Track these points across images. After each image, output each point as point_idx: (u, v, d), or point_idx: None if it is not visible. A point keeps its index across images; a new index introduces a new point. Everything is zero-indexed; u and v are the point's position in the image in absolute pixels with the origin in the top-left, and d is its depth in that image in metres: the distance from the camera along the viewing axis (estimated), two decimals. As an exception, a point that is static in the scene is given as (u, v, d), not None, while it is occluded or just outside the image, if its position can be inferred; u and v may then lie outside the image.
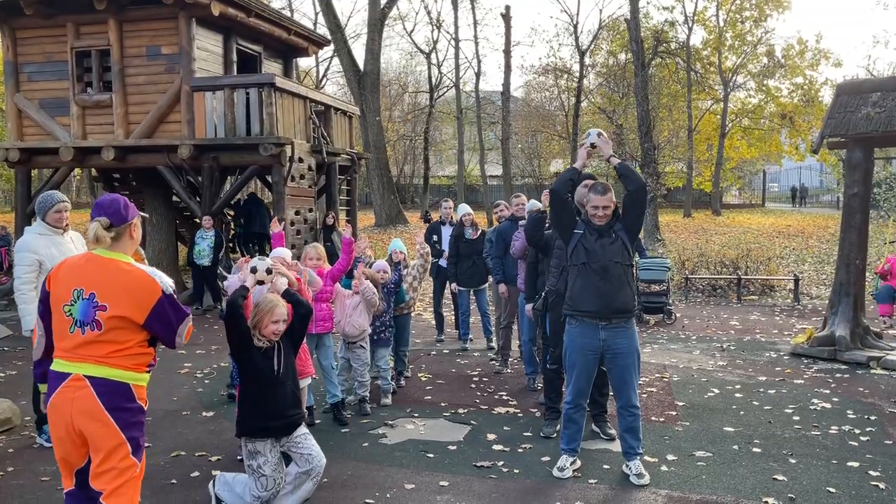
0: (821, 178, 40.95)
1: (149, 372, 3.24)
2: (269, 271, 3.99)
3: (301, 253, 6.07)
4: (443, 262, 8.90)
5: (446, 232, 9.03)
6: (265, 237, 13.55)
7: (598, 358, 4.65)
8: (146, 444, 3.58)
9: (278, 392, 3.83)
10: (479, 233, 8.42)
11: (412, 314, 7.37)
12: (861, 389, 6.72)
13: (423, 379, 7.20)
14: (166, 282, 3.19)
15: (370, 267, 6.37)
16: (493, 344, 8.57)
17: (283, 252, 5.10)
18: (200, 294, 11.58)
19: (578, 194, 5.28)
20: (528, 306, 6.01)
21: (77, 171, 20.54)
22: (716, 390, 6.71)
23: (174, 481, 4.64)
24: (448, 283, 8.84)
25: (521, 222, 6.72)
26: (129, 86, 11.80)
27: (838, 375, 7.26)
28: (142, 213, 3.47)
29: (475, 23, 31.09)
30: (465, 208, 8.67)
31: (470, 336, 8.88)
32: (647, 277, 10.61)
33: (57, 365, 3.15)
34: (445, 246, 8.89)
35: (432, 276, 9.20)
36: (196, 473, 4.76)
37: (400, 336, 6.99)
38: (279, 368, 3.83)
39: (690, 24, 31.15)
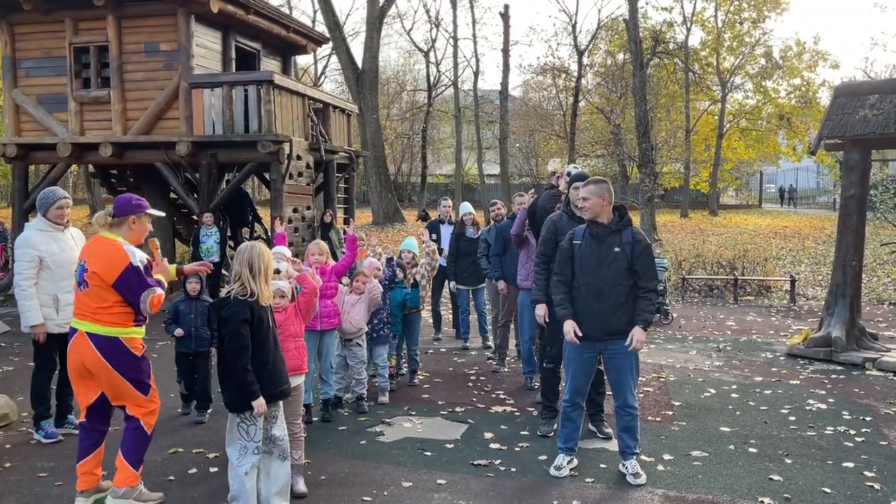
0: (817, 179, 41.01)
1: (138, 325, 4.11)
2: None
3: (298, 251, 6.09)
4: (442, 261, 8.91)
5: (445, 230, 9.05)
6: (245, 225, 13.97)
7: (595, 357, 4.66)
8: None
9: (277, 355, 3.97)
10: (479, 232, 8.44)
11: (421, 313, 7.38)
12: (856, 390, 6.75)
13: (421, 377, 7.21)
14: (138, 256, 4.03)
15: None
16: (490, 343, 8.59)
17: (283, 250, 5.14)
18: (212, 292, 11.52)
19: (573, 196, 5.32)
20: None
21: (74, 167, 20.51)
22: (712, 390, 6.73)
23: (172, 478, 4.65)
24: (447, 281, 8.86)
25: None
26: (127, 82, 11.77)
27: (834, 376, 7.29)
28: (151, 212, 4.26)
29: (474, 21, 31.12)
30: (466, 207, 8.70)
31: (468, 335, 8.90)
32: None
33: (72, 322, 4.14)
34: (444, 244, 8.91)
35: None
36: (194, 470, 4.76)
37: (410, 335, 7.01)
38: (273, 324, 3.97)
39: (689, 25, 31.20)
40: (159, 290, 4.08)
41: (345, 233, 5.88)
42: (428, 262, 7.05)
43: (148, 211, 4.23)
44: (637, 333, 4.51)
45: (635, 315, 4.53)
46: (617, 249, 4.51)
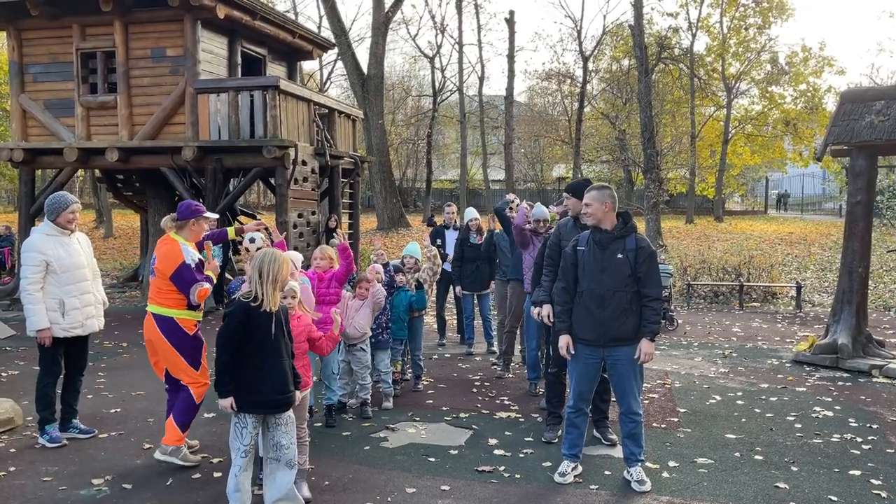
0: (823, 185, 40.91)
1: (190, 310, 4.91)
2: (252, 240, 5.45)
3: (303, 256, 6.11)
4: (446, 266, 8.91)
5: (450, 236, 9.06)
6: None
7: (599, 362, 4.64)
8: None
9: (277, 364, 3.93)
10: (484, 238, 8.45)
11: (424, 318, 7.38)
12: (863, 398, 6.71)
13: (425, 383, 7.20)
14: (191, 256, 4.91)
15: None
16: (494, 348, 8.58)
17: (295, 255, 5.21)
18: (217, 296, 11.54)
19: (568, 206, 5.44)
20: (535, 310, 5.94)
21: (80, 171, 20.57)
22: (717, 397, 6.70)
23: (174, 482, 4.64)
24: (452, 286, 8.88)
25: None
26: (133, 87, 11.84)
27: (840, 383, 7.26)
28: (208, 215, 5.17)
29: (479, 27, 31.18)
30: (471, 213, 8.70)
31: (473, 340, 8.90)
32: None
33: (147, 306, 4.99)
34: (449, 250, 8.91)
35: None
36: (197, 475, 4.76)
37: (413, 340, 7.00)
38: (276, 332, 3.93)
39: (694, 31, 31.16)
40: (206, 285, 4.92)
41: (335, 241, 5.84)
42: (430, 267, 7.04)
43: (205, 215, 5.11)
44: (644, 346, 4.49)
45: (641, 326, 4.50)
46: (620, 256, 4.48)
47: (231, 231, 5.73)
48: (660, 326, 4.60)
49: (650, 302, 4.49)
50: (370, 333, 6.14)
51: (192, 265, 4.88)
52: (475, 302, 8.81)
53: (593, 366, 4.64)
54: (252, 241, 5.57)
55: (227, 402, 3.87)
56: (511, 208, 7.34)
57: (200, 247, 5.16)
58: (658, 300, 4.52)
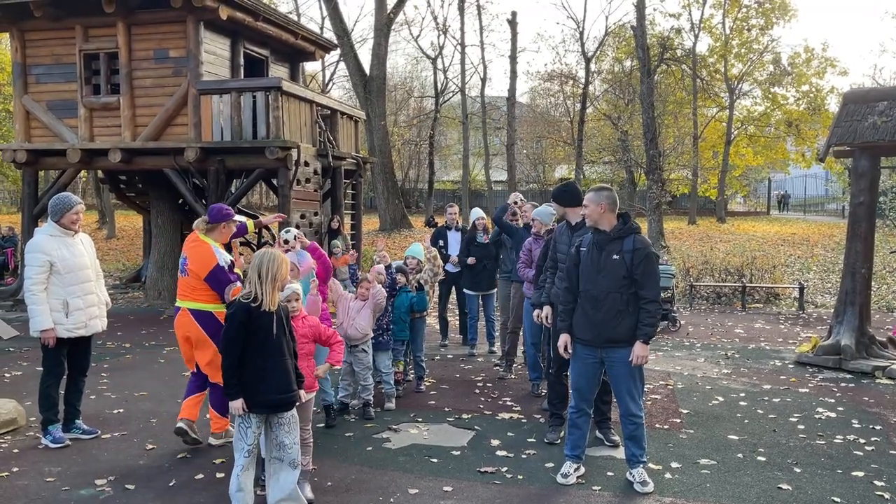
0: (826, 186, 40.84)
1: (224, 302, 5.04)
2: (294, 237, 5.73)
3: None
4: (449, 267, 8.90)
5: (452, 236, 9.05)
6: None
7: (597, 362, 4.63)
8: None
9: (279, 363, 3.94)
10: (490, 238, 8.46)
11: (426, 319, 7.38)
12: (866, 399, 6.71)
13: (428, 384, 7.20)
14: (223, 258, 5.17)
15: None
16: (495, 349, 8.58)
17: (303, 255, 5.29)
18: None
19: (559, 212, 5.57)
20: (535, 312, 5.97)
21: (83, 172, 20.63)
22: (720, 398, 6.70)
23: (177, 482, 4.65)
24: (455, 286, 8.90)
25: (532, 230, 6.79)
26: (136, 88, 11.85)
27: (843, 385, 7.25)
28: (237, 218, 5.45)
29: (481, 28, 31.14)
30: (477, 212, 8.71)
31: (476, 341, 8.89)
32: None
33: (177, 301, 5.24)
34: (451, 251, 8.91)
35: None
36: (200, 476, 4.76)
37: (414, 341, 7.00)
38: (277, 331, 3.94)
39: (696, 32, 31.16)
40: (238, 284, 5.17)
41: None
42: (430, 268, 7.05)
43: (235, 218, 5.41)
44: (637, 349, 4.46)
45: (637, 328, 4.48)
46: (616, 257, 4.47)
47: (250, 224, 6.02)
48: (655, 329, 4.57)
49: (646, 304, 4.46)
50: (371, 334, 6.14)
51: (225, 267, 5.13)
52: (480, 302, 8.79)
53: (591, 365, 4.64)
54: (287, 231, 5.86)
55: (238, 404, 3.87)
56: (516, 212, 7.42)
57: (227, 246, 5.46)
58: (654, 302, 4.49)
